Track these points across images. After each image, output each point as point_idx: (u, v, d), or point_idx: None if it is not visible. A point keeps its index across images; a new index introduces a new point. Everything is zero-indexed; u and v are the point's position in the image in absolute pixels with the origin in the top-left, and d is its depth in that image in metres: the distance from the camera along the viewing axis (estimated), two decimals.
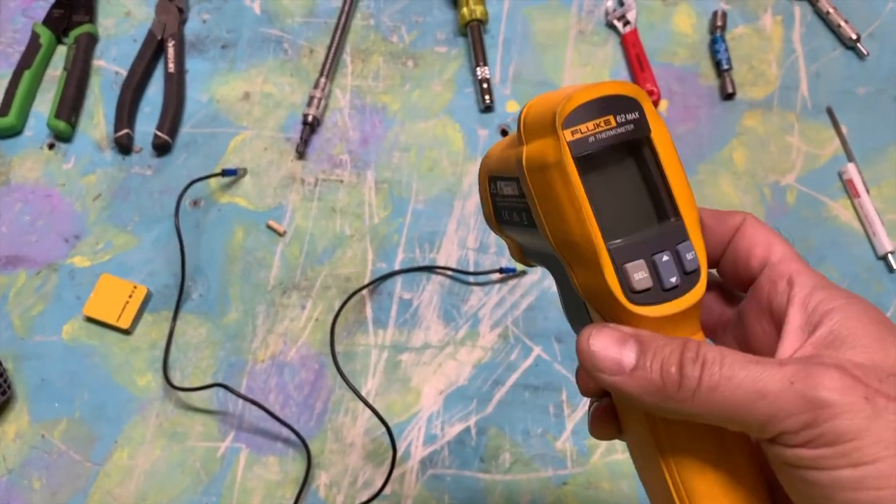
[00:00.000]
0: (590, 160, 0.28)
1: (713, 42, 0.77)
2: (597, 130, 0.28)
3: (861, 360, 0.25)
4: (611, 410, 0.32)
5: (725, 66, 0.75)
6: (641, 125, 0.29)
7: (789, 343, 0.28)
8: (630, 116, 0.29)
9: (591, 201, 0.28)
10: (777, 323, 0.29)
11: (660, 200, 0.29)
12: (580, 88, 0.28)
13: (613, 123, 0.28)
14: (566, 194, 0.28)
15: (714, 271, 0.34)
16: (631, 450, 0.32)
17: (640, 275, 0.28)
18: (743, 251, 0.31)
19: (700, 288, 0.29)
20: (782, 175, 0.73)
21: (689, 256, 0.29)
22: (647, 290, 0.29)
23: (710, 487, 0.29)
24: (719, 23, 0.77)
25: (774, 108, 0.75)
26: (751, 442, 0.29)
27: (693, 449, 0.29)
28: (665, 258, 0.29)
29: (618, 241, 0.28)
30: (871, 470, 0.23)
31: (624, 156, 0.30)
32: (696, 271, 0.29)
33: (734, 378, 0.25)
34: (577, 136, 0.28)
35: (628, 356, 0.27)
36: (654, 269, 0.29)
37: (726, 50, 0.76)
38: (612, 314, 0.29)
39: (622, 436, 0.33)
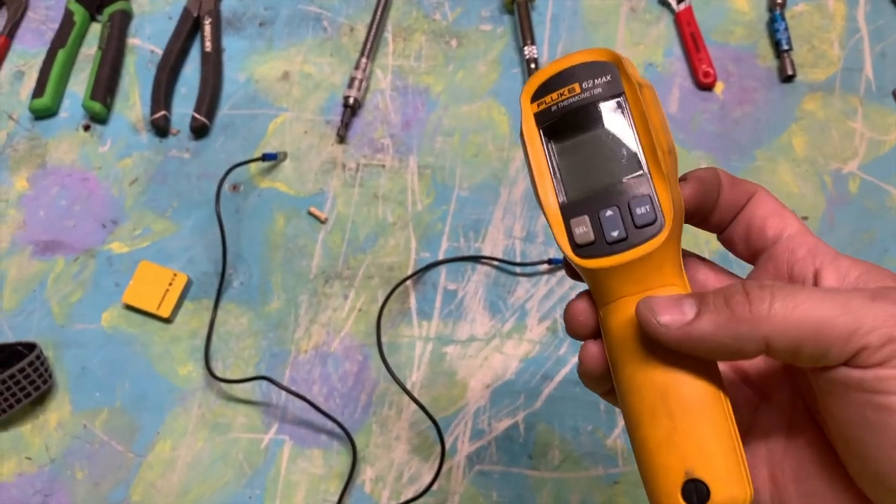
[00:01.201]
0: (558, 127, 0.31)
1: (772, 20, 0.73)
2: (560, 99, 0.31)
3: None
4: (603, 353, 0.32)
5: (785, 47, 0.72)
6: (612, 86, 0.31)
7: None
8: (599, 80, 0.31)
9: (556, 165, 0.32)
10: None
11: (625, 158, 0.30)
12: (554, 61, 0.31)
13: (578, 90, 0.31)
14: (530, 160, 0.32)
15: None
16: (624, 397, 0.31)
17: (581, 229, 0.31)
18: (758, 220, 0.31)
19: (656, 240, 0.29)
20: (844, 162, 0.69)
21: (640, 210, 0.30)
22: (591, 243, 0.30)
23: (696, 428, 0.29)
24: (779, 0, 0.74)
25: (836, 92, 0.72)
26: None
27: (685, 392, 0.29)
28: (609, 213, 0.30)
29: (570, 198, 0.31)
30: None
31: (594, 120, 0.31)
32: (652, 224, 0.30)
33: (813, 296, 0.25)
34: (542, 107, 0.32)
35: (689, 308, 0.27)
36: (597, 224, 0.30)
37: (786, 29, 0.72)
38: (575, 271, 0.32)
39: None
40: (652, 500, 0.29)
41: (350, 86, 0.72)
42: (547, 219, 0.32)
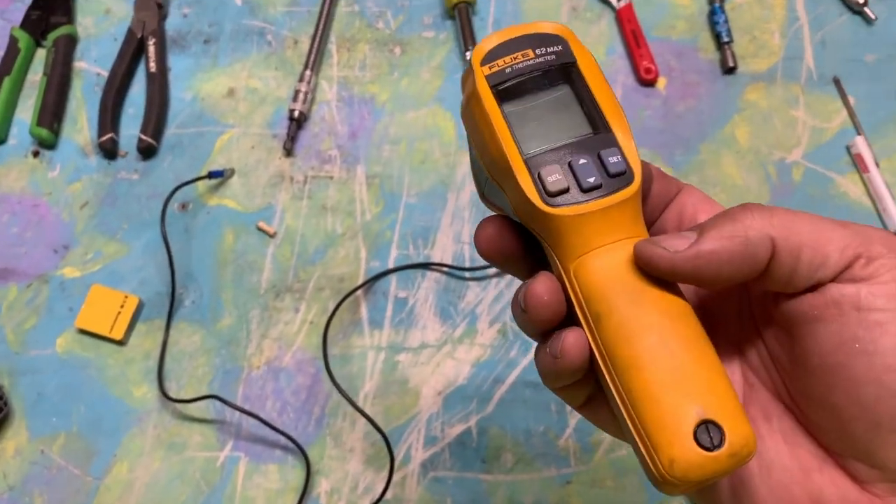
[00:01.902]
0: (512, 89, 0.31)
1: (712, 13, 0.74)
2: (514, 62, 0.31)
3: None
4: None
5: (725, 39, 0.72)
6: (564, 55, 0.31)
7: None
8: (551, 49, 0.32)
9: (510, 123, 0.31)
10: None
11: (587, 118, 0.31)
12: (505, 29, 0.32)
13: (532, 55, 0.31)
14: (482, 117, 0.31)
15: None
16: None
17: (554, 177, 0.30)
18: (689, 208, 0.32)
19: (632, 187, 0.30)
20: (788, 151, 0.70)
21: (612, 160, 0.30)
22: (565, 190, 0.30)
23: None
24: None
25: (778, 81, 0.72)
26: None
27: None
28: (583, 161, 0.30)
29: (535, 151, 0.31)
30: None
31: (551, 83, 0.32)
32: (624, 174, 0.30)
33: (811, 215, 0.27)
34: (495, 69, 0.32)
35: (691, 234, 0.28)
36: (571, 171, 0.30)
37: (726, 21, 0.73)
38: (541, 227, 0.30)
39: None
40: (662, 453, 0.26)
41: (295, 99, 0.73)
42: (511, 170, 0.30)
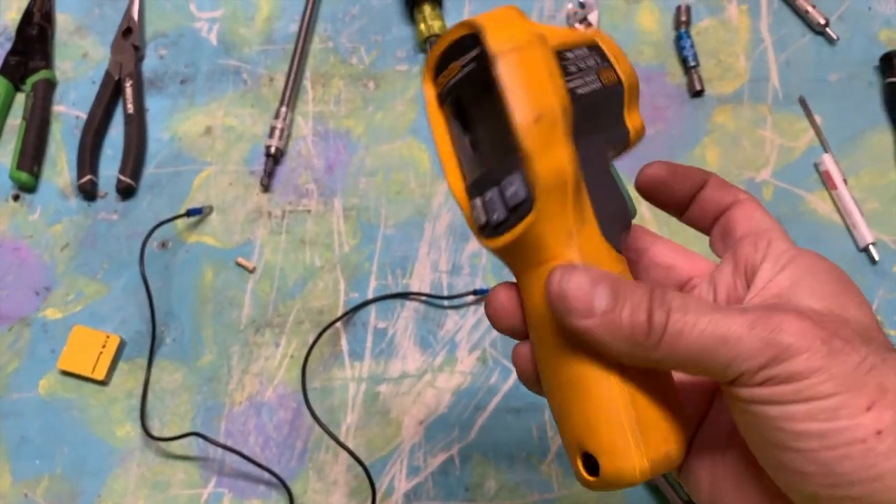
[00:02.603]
0: (454, 106, 0.31)
1: (678, 38, 0.75)
2: (448, 77, 0.31)
3: (821, 308, 0.27)
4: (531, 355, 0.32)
5: (692, 63, 0.74)
6: (482, 59, 0.29)
7: (756, 290, 0.29)
8: (470, 55, 0.30)
9: (458, 145, 0.32)
10: (749, 280, 0.31)
11: (503, 133, 0.29)
12: (437, 42, 0.31)
13: (456, 70, 0.30)
14: (436, 143, 0.32)
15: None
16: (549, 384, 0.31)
17: (476, 213, 0.31)
18: (733, 227, 0.33)
19: (526, 221, 0.29)
20: (757, 171, 0.71)
21: (509, 192, 0.29)
22: (485, 225, 0.31)
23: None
24: (683, 17, 0.76)
25: (745, 102, 0.73)
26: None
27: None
28: (490, 195, 0.30)
29: (472, 180, 0.31)
30: (823, 404, 0.25)
31: (475, 94, 0.30)
32: (523, 203, 0.29)
33: (698, 324, 0.26)
34: (438, 87, 0.32)
35: (600, 298, 0.27)
36: (486, 206, 0.30)
37: (692, 46, 0.74)
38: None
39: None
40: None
41: (271, 135, 0.74)
42: (456, 199, 0.32)
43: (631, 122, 0.33)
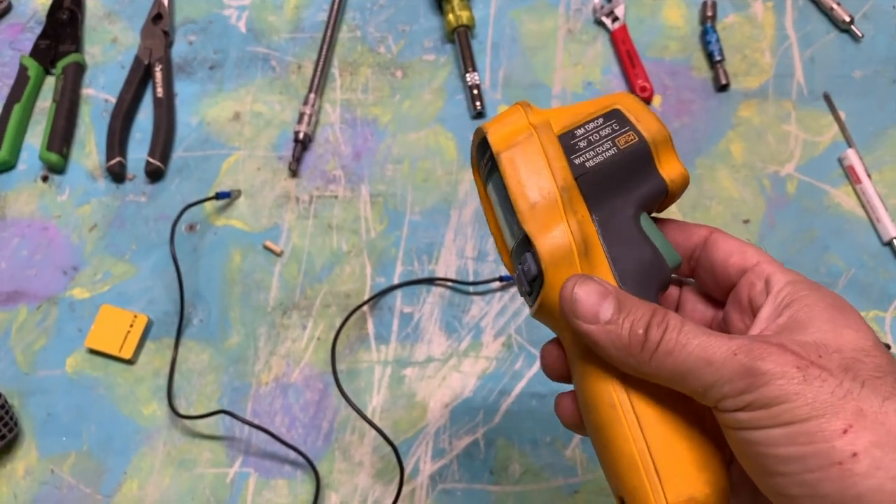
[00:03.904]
0: (493, 190, 0.37)
1: (704, 33, 0.76)
2: (482, 170, 0.38)
3: (809, 339, 0.28)
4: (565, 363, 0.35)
5: (718, 58, 0.74)
6: (492, 158, 0.35)
7: (756, 329, 0.31)
8: (487, 154, 0.35)
9: (500, 220, 0.37)
10: (753, 318, 0.32)
11: (513, 214, 0.34)
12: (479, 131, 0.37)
13: (484, 165, 0.37)
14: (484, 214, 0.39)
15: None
16: (590, 399, 0.33)
17: (517, 282, 0.35)
18: (720, 261, 0.34)
19: (542, 293, 0.33)
20: (781, 165, 0.71)
21: (526, 267, 0.33)
22: (523, 293, 0.35)
23: (662, 427, 0.31)
24: (709, 13, 0.76)
25: (770, 97, 0.74)
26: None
27: (651, 394, 0.31)
28: (518, 269, 0.34)
29: (511, 248, 0.36)
30: (800, 428, 0.26)
31: (500, 184, 0.35)
32: (537, 278, 0.33)
33: (687, 345, 0.28)
34: (481, 173, 0.38)
35: (606, 309, 0.30)
36: (519, 278, 0.35)
37: (718, 41, 0.75)
38: None
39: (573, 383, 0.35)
40: None
41: (299, 121, 0.74)
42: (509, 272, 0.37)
43: (667, 171, 0.34)
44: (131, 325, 0.68)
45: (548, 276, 0.32)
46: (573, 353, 0.33)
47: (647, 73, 0.74)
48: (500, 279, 0.68)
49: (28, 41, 0.82)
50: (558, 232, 0.32)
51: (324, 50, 0.77)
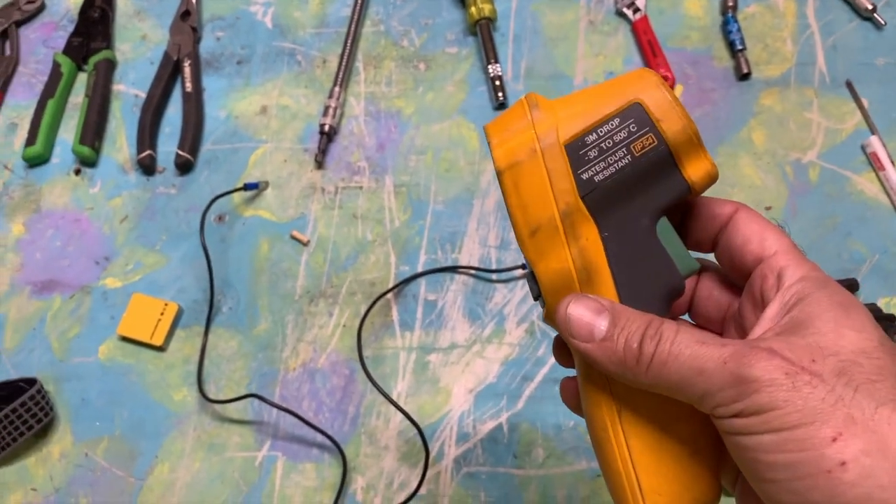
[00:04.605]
0: None
1: (725, 23, 0.76)
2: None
3: (806, 342, 0.27)
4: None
5: (739, 47, 0.75)
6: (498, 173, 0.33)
7: (759, 331, 0.30)
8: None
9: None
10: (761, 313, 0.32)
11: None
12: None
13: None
14: None
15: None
16: (588, 416, 0.34)
17: (528, 283, 0.36)
18: (737, 247, 0.33)
19: (544, 313, 0.33)
20: (803, 152, 0.72)
21: (531, 286, 0.34)
22: (534, 296, 0.34)
23: (650, 447, 0.32)
24: (730, 2, 0.77)
25: (792, 86, 0.74)
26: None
27: (642, 414, 0.32)
28: (527, 276, 0.35)
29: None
30: (790, 435, 0.26)
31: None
32: (539, 297, 0.33)
33: (680, 356, 0.28)
34: None
35: (600, 326, 0.30)
36: (529, 283, 0.34)
37: (739, 30, 0.75)
38: None
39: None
40: None
41: (325, 114, 0.76)
42: None
43: (691, 172, 0.31)
44: (162, 313, 0.69)
45: (548, 301, 0.32)
46: (575, 357, 0.34)
47: (669, 63, 0.75)
48: (523, 267, 0.69)
49: (61, 39, 0.84)
50: (558, 261, 0.32)
51: (348, 44, 0.79)
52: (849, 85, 0.73)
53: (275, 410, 0.66)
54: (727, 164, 0.72)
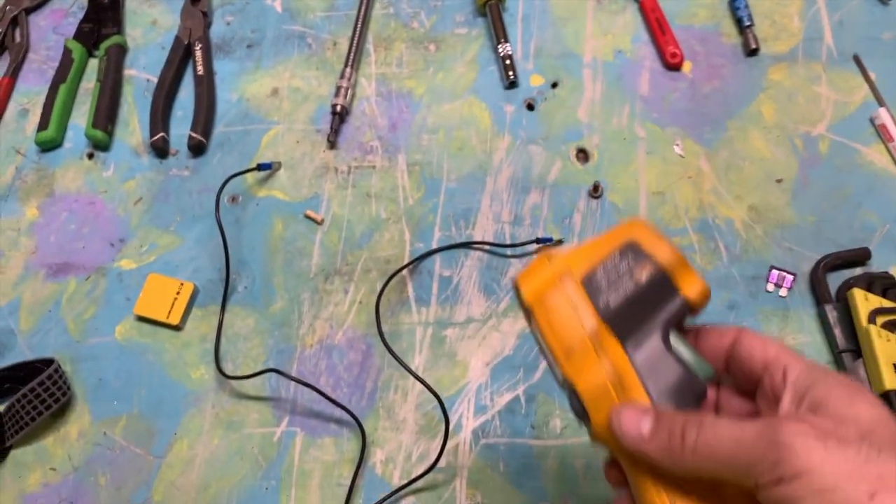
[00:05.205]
0: None
1: (732, 0, 0.77)
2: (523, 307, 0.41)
3: (826, 415, 0.31)
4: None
5: (747, 23, 0.75)
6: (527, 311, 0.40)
7: (780, 414, 0.34)
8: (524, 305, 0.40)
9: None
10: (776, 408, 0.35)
11: None
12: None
13: (521, 306, 0.41)
14: None
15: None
16: None
17: (570, 404, 0.38)
18: (745, 360, 0.37)
19: (589, 426, 0.37)
20: (813, 125, 0.72)
21: (573, 403, 0.38)
22: (577, 416, 0.38)
23: None
24: None
25: (800, 60, 0.75)
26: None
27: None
28: (570, 398, 0.38)
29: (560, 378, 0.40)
30: (830, 496, 0.27)
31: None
32: (583, 412, 0.37)
33: (720, 436, 0.31)
34: None
35: (645, 426, 0.34)
36: (571, 403, 0.38)
37: (746, 6, 0.76)
38: None
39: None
40: None
41: (336, 94, 0.76)
42: None
43: (687, 290, 0.37)
44: (178, 293, 0.70)
45: (591, 412, 0.37)
46: (626, 465, 0.37)
47: (677, 40, 0.76)
48: (538, 241, 0.69)
49: (70, 26, 0.84)
50: (593, 374, 0.36)
51: (358, 26, 0.79)
52: (856, 59, 0.74)
53: (292, 386, 0.66)
54: (738, 137, 0.72)
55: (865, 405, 0.31)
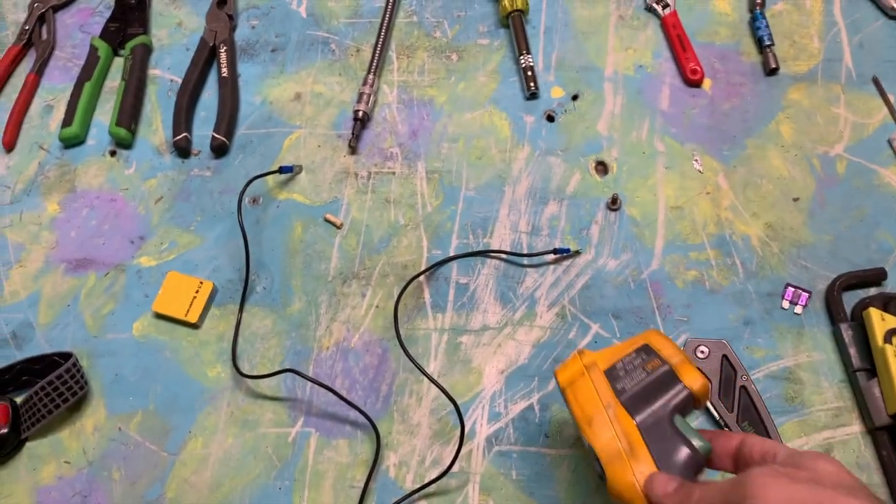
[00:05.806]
0: None
1: (753, 19, 0.78)
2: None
3: (791, 467, 0.40)
4: None
5: (767, 42, 0.76)
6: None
7: None
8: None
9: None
10: None
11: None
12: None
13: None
14: None
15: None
16: None
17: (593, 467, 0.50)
18: (747, 457, 0.45)
19: (607, 485, 0.46)
20: (831, 146, 0.73)
21: (595, 464, 0.47)
22: (598, 476, 0.49)
23: None
24: (758, 0, 0.78)
25: (819, 81, 0.76)
26: None
27: None
28: (593, 463, 0.48)
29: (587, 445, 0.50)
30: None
31: None
32: (603, 474, 0.46)
33: (712, 489, 0.41)
34: None
35: (671, 486, 0.43)
36: (594, 467, 0.49)
37: (767, 26, 0.77)
38: None
39: None
40: None
41: (359, 100, 0.77)
42: None
43: (689, 382, 0.48)
44: (197, 291, 0.70)
45: (606, 469, 0.46)
46: None
47: (698, 57, 0.76)
48: (555, 251, 0.70)
49: (97, 24, 0.85)
50: (610, 439, 0.46)
51: (381, 34, 0.80)
52: (875, 81, 0.75)
53: (308, 387, 0.67)
54: (756, 155, 0.73)
55: (825, 462, 0.40)
